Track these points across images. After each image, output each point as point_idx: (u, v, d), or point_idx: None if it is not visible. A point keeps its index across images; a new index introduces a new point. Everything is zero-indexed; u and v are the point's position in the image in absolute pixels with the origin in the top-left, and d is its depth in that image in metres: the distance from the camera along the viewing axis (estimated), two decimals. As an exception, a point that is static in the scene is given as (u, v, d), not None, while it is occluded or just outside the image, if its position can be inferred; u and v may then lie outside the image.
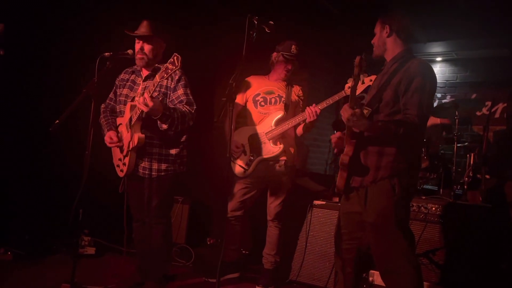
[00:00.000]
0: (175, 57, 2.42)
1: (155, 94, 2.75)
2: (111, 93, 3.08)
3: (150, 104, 2.51)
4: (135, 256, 3.11)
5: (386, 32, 2.39)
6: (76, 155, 3.06)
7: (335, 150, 2.46)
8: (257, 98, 3.36)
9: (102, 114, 3.05)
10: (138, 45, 2.82)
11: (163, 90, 2.82)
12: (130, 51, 2.80)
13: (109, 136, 2.88)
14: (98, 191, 3.45)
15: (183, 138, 2.92)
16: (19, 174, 3.69)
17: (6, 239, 3.51)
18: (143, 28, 2.79)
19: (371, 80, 2.68)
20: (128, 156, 2.79)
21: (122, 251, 3.12)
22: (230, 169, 3.27)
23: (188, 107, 2.77)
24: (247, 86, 3.42)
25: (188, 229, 4.20)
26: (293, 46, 3.25)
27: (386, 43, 2.41)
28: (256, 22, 2.49)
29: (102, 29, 3.78)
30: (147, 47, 2.81)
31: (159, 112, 2.58)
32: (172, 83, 2.81)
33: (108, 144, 2.89)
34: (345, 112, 2.16)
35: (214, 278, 2.52)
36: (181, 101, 2.79)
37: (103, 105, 3.09)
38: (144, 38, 2.80)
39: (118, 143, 2.85)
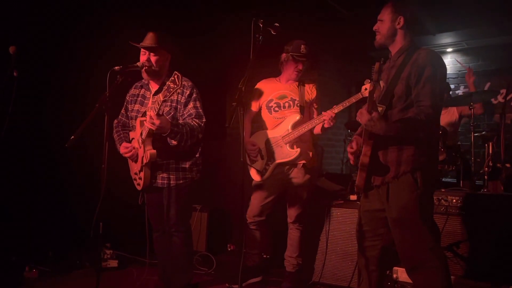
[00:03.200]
0: (176, 76, 2.48)
1: (166, 109, 2.82)
2: (123, 108, 3.14)
3: (157, 122, 2.57)
4: (157, 266, 3.13)
5: (399, 23, 2.32)
6: (93, 169, 3.10)
7: (352, 161, 2.43)
8: (270, 104, 3.36)
9: (115, 129, 3.11)
10: (144, 56, 2.86)
11: (174, 104, 2.88)
12: (139, 64, 2.84)
13: (124, 147, 2.93)
14: (117, 204, 3.49)
15: (198, 149, 2.98)
16: (39, 192, 3.76)
17: (30, 256, 3.56)
18: (149, 40, 2.83)
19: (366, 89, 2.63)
20: (143, 171, 2.85)
21: (145, 262, 3.15)
22: (247, 174, 3.28)
23: (197, 121, 2.83)
24: (259, 92, 3.42)
25: (208, 237, 4.22)
26: (302, 46, 3.24)
27: (396, 34, 2.34)
28: (261, 25, 2.49)
29: (116, 43, 3.84)
30: (153, 58, 2.85)
31: (167, 129, 2.64)
32: (183, 97, 2.87)
33: (124, 155, 2.95)
34: (363, 117, 2.13)
35: (237, 284, 2.51)
36: (190, 115, 2.84)
37: (115, 121, 3.15)
38: (149, 50, 2.83)
39: (133, 151, 2.90)
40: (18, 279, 3.34)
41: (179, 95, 2.85)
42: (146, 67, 2.84)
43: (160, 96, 2.57)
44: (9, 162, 3.42)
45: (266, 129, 3.37)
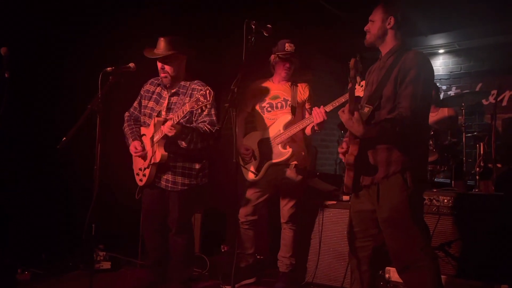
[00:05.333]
0: (207, 91, 2.54)
1: (182, 121, 2.82)
2: (135, 102, 3.16)
3: (173, 132, 2.67)
4: (150, 263, 3.17)
5: (389, 24, 2.34)
6: (86, 171, 3.10)
7: (344, 161, 2.42)
8: (263, 105, 3.37)
9: (126, 122, 3.15)
10: (159, 64, 2.90)
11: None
12: (131, 65, 2.84)
13: (134, 146, 2.99)
14: (111, 206, 3.49)
15: (206, 153, 3.05)
16: (31, 194, 3.74)
17: (23, 259, 3.55)
18: (161, 48, 2.86)
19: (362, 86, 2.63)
20: (149, 169, 2.91)
21: (137, 263, 3.16)
22: (240, 175, 3.29)
23: (209, 127, 2.89)
24: (252, 93, 3.44)
25: (202, 238, 4.21)
26: (286, 44, 3.26)
27: (386, 34, 2.36)
28: (254, 27, 2.50)
29: (112, 44, 3.84)
30: (168, 67, 2.91)
31: (180, 133, 2.73)
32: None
33: (133, 154, 3.00)
34: (344, 116, 2.14)
35: (230, 285, 2.52)
36: (204, 121, 2.91)
37: (127, 113, 3.18)
38: (163, 61, 2.87)
39: (142, 153, 2.96)
40: (10, 281, 3.32)
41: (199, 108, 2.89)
42: (164, 77, 2.91)
43: (187, 106, 2.62)
44: (1, 164, 3.40)
45: (260, 129, 3.39)
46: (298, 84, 3.38)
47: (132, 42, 3.08)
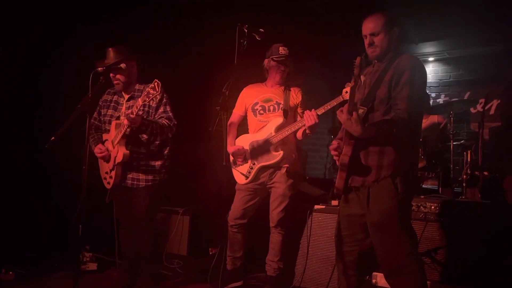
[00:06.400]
0: (156, 83, 2.68)
1: (140, 113, 2.98)
2: (95, 112, 3.26)
3: (135, 123, 2.80)
4: (123, 261, 3.25)
5: (395, 34, 2.34)
6: (74, 171, 3.09)
7: (336, 160, 2.42)
8: (255, 107, 3.38)
9: (89, 132, 3.18)
10: (111, 73, 3.01)
11: (146, 109, 3.07)
12: (123, 65, 2.86)
13: (97, 148, 3.11)
14: (98, 206, 3.46)
15: (166, 150, 3.17)
16: (17, 192, 3.70)
17: (7, 258, 3.49)
18: (110, 58, 2.96)
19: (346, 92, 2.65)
20: (115, 170, 3.03)
21: (117, 263, 3.19)
22: (230, 177, 3.29)
23: (167, 121, 3.05)
24: (245, 96, 3.45)
25: (189, 240, 4.19)
26: (280, 48, 3.28)
27: (392, 44, 2.35)
28: (246, 31, 2.51)
29: (99, 44, 3.81)
30: (118, 76, 3.03)
31: (141, 124, 2.86)
32: (154, 103, 3.07)
33: (98, 155, 3.11)
34: (342, 115, 2.13)
35: (217, 288, 2.52)
36: (161, 117, 3.06)
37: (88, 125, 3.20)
38: (111, 71, 2.96)
39: (107, 153, 3.07)
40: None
41: (152, 101, 3.00)
42: (116, 84, 3.06)
43: (139, 101, 2.77)
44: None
45: (251, 131, 3.39)
46: (291, 88, 3.39)
47: (122, 40, 3.08)
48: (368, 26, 2.34)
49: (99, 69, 2.68)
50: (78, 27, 3.87)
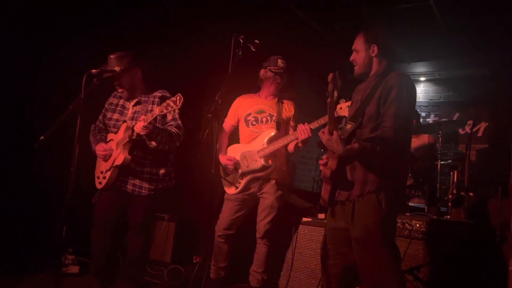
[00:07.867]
0: (178, 97, 2.63)
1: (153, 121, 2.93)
2: (100, 115, 3.21)
3: (146, 131, 2.72)
4: (91, 264, 3.12)
5: (373, 52, 2.39)
6: (60, 172, 3.05)
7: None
8: (248, 118, 3.39)
9: (91, 132, 3.19)
10: (114, 81, 2.97)
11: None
12: (117, 68, 2.85)
13: (100, 146, 3.04)
14: (83, 209, 3.42)
15: (171, 158, 3.11)
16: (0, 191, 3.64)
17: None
18: (111, 65, 2.90)
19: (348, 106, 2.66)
20: (110, 171, 2.95)
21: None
22: (219, 186, 3.29)
23: (176, 130, 2.96)
24: (239, 106, 3.46)
25: (174, 247, 4.16)
26: (279, 60, 3.32)
27: (372, 62, 2.41)
28: (242, 41, 2.54)
29: (91, 46, 3.81)
30: (122, 82, 2.98)
31: (151, 136, 2.80)
32: (170, 114, 3.02)
33: (100, 153, 3.03)
34: (324, 136, 2.19)
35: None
36: (171, 125, 2.99)
37: (93, 126, 3.22)
38: (116, 76, 2.92)
39: (108, 152, 3.00)
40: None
41: (168, 113, 2.95)
42: (120, 91, 3.02)
43: (156, 110, 2.72)
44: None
45: (243, 142, 3.40)
46: (284, 101, 3.42)
47: (117, 45, 3.07)
48: (354, 43, 2.46)
49: (93, 71, 2.67)
50: (73, 29, 3.86)
